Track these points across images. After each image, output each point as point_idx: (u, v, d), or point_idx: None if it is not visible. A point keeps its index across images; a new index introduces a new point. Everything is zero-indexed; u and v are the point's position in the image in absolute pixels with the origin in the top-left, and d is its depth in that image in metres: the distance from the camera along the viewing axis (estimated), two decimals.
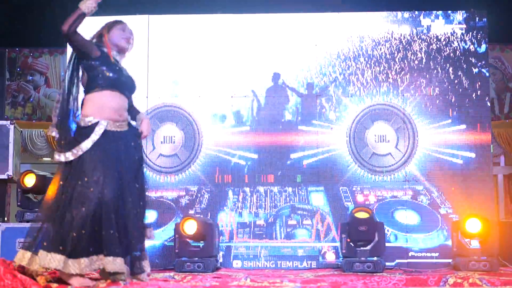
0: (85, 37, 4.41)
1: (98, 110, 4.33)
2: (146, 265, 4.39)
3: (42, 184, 6.76)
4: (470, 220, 6.45)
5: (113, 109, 4.36)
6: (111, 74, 4.38)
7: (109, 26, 4.56)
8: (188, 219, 6.48)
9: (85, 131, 4.27)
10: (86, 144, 4.22)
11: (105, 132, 4.29)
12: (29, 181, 6.77)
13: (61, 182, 4.22)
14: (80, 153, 4.21)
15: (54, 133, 4.35)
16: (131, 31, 4.62)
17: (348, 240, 6.43)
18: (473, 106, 7.27)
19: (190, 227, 6.44)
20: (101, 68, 4.37)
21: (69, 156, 4.22)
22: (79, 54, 4.40)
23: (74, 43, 4.34)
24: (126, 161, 4.35)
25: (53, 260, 4.02)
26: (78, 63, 4.45)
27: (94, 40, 4.53)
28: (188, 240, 6.46)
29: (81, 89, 4.47)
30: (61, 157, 4.25)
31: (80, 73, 4.45)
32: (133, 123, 4.54)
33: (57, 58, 9.56)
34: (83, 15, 4.33)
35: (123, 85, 4.45)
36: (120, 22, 4.60)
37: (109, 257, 4.05)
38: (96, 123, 4.28)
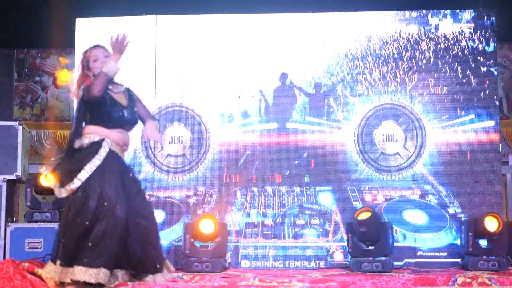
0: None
1: (104, 135, 4.41)
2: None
3: None
4: (488, 218, 6.45)
5: (118, 142, 4.46)
6: (114, 114, 4.43)
7: (86, 66, 4.53)
8: (205, 217, 6.55)
9: (91, 147, 4.35)
10: (95, 161, 4.30)
11: (111, 151, 4.39)
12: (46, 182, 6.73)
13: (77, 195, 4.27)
14: (89, 170, 4.26)
15: (46, 170, 4.46)
16: (103, 51, 4.53)
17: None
18: (481, 105, 7.25)
19: (207, 226, 6.50)
20: (104, 107, 4.41)
21: (72, 186, 4.27)
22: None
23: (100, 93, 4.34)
24: (128, 184, 4.42)
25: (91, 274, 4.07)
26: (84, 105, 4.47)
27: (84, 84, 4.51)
28: (202, 239, 6.50)
29: None
30: (71, 186, 4.28)
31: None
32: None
33: (65, 59, 9.58)
34: (109, 79, 4.32)
35: (125, 122, 4.52)
36: (89, 50, 4.56)
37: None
38: (102, 140, 4.36)
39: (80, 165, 4.28)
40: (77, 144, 4.39)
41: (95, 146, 4.35)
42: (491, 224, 6.44)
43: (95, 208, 4.15)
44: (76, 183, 4.24)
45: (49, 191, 6.91)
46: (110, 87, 4.46)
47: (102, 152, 4.33)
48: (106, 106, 4.40)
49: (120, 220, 4.16)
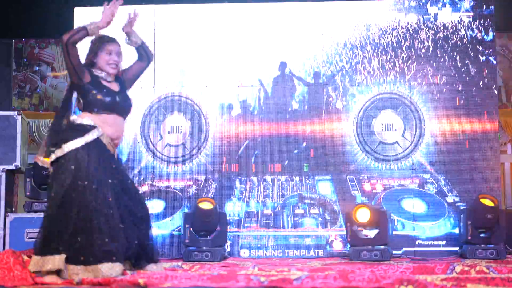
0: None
1: (97, 123, 4.35)
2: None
3: None
4: (483, 200, 6.54)
5: (112, 129, 4.39)
6: (106, 98, 4.37)
7: (94, 50, 4.45)
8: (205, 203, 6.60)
9: (80, 128, 4.29)
10: (78, 142, 4.23)
11: (99, 141, 4.31)
12: None
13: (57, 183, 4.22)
14: (67, 150, 4.20)
15: (39, 161, 4.41)
16: (118, 49, 4.50)
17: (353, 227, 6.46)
18: (480, 94, 7.25)
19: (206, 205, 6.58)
20: (94, 92, 4.35)
21: (58, 152, 4.22)
22: (72, 75, 4.35)
23: (70, 57, 4.28)
24: (116, 177, 4.36)
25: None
26: (73, 89, 4.43)
27: (85, 62, 4.46)
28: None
29: None
30: (52, 156, 4.24)
31: (75, 98, 4.45)
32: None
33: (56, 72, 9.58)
34: (85, 33, 4.31)
35: (119, 107, 4.45)
36: (107, 42, 4.48)
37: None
38: (93, 127, 4.30)
39: (64, 139, 4.24)
40: (65, 121, 4.34)
41: (83, 129, 4.28)
42: (487, 204, 6.50)
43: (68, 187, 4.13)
44: (57, 153, 4.20)
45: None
46: (101, 74, 4.44)
47: (88, 137, 4.25)
48: (97, 92, 4.35)
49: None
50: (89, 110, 4.35)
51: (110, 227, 4.11)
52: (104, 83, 4.43)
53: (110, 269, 3.98)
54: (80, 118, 4.34)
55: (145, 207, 4.51)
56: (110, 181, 4.26)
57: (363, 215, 6.48)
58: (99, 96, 4.34)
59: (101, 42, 4.44)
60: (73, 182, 4.14)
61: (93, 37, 4.44)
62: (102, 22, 4.36)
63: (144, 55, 4.68)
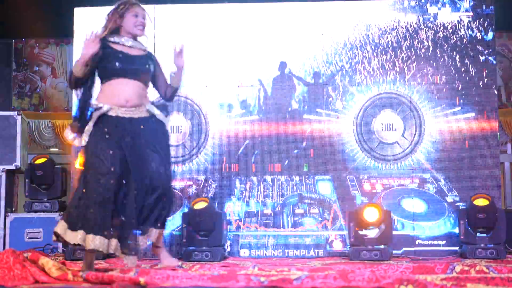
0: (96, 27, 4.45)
1: (106, 97, 4.43)
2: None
3: None
4: (477, 200, 6.55)
5: (119, 95, 4.43)
6: (116, 64, 4.43)
7: (120, 14, 4.52)
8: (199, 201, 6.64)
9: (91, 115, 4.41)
10: (88, 128, 4.36)
11: (106, 117, 4.37)
12: None
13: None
14: (86, 137, 4.35)
15: (71, 137, 4.47)
16: (144, 13, 4.62)
17: (357, 228, 6.44)
18: (480, 94, 7.26)
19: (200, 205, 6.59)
20: (106, 61, 4.43)
21: (81, 141, 4.38)
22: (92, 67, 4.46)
23: (87, 76, 4.43)
24: (128, 148, 4.38)
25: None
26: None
27: (108, 28, 4.50)
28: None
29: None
30: (76, 142, 4.43)
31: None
32: (157, 112, 4.57)
33: (63, 49, 9.56)
34: (71, 72, 4.44)
35: (131, 71, 4.48)
36: (132, 5, 4.58)
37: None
38: (98, 108, 4.38)
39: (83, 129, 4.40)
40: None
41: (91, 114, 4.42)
42: (481, 203, 6.51)
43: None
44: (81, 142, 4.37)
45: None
46: (121, 39, 4.50)
47: (90, 123, 4.37)
48: (107, 61, 4.43)
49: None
50: (102, 78, 4.47)
51: (104, 202, 4.24)
52: (120, 48, 4.48)
53: (91, 241, 4.18)
54: (92, 105, 4.44)
55: (161, 179, 4.55)
56: (112, 152, 4.31)
57: (371, 214, 6.46)
58: (110, 63, 4.43)
59: (127, 5, 4.54)
60: (84, 164, 4.36)
61: (117, 2, 4.56)
62: (81, 57, 4.37)
63: (170, 96, 4.83)
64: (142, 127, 4.46)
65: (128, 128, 4.41)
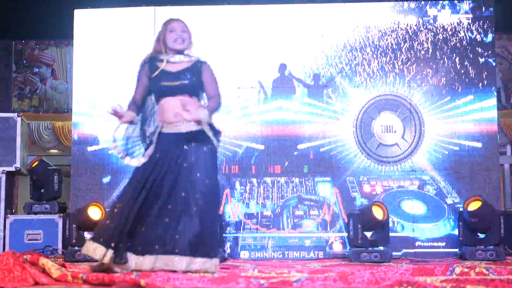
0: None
1: (160, 116, 4.49)
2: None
3: None
4: (471, 204, 6.54)
5: (167, 112, 4.44)
6: (158, 84, 4.45)
7: (162, 35, 4.53)
8: None
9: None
10: (148, 152, 4.44)
11: (160, 134, 4.44)
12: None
13: None
14: (144, 159, 4.42)
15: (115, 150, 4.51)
16: (180, 25, 4.57)
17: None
18: (479, 96, 7.26)
19: None
20: (151, 85, 4.49)
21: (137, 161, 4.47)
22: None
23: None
24: (166, 164, 4.39)
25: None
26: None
27: (154, 50, 4.55)
28: None
29: None
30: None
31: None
32: (206, 128, 4.59)
33: (63, 50, 9.58)
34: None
35: (169, 88, 4.46)
36: (167, 23, 4.55)
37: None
38: (152, 134, 4.49)
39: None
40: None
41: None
42: (472, 207, 6.53)
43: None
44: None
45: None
46: (162, 57, 4.51)
47: (149, 149, 4.46)
48: (154, 84, 4.48)
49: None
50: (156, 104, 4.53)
51: (127, 218, 4.16)
52: (161, 65, 4.47)
53: (93, 249, 4.12)
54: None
55: (200, 201, 4.33)
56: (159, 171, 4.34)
57: (378, 212, 6.47)
58: (154, 85, 4.47)
59: (163, 25, 4.52)
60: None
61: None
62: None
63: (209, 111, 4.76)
64: (185, 146, 4.46)
65: (171, 144, 4.43)
